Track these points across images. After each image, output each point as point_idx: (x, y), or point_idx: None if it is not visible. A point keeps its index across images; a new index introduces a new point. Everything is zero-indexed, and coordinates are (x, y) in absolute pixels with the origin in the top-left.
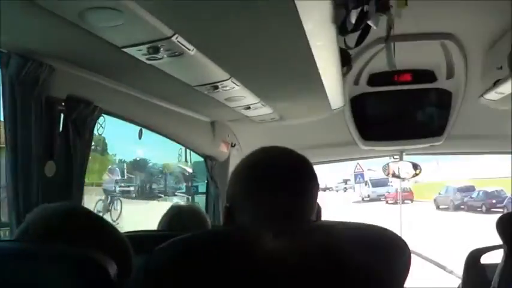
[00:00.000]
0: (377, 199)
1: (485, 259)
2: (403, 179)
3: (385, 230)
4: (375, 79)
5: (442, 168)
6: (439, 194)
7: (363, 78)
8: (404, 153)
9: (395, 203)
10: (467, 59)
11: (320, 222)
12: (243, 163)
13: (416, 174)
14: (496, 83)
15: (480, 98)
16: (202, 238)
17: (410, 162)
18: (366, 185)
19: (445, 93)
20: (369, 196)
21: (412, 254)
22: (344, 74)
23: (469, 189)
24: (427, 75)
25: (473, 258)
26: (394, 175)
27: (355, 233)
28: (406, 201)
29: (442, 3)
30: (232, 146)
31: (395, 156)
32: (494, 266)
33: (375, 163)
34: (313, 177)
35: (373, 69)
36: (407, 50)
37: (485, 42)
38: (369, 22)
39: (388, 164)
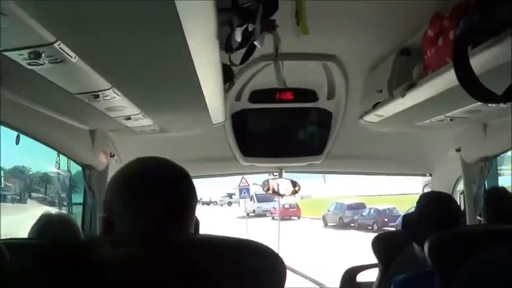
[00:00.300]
0: (262, 214)
1: (362, 277)
2: (282, 196)
3: (259, 245)
4: (256, 96)
5: (329, 185)
6: (328, 210)
7: (245, 94)
8: (283, 171)
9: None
10: (348, 81)
11: (194, 235)
12: (119, 173)
13: (295, 191)
14: (376, 106)
15: (360, 119)
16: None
17: (289, 179)
18: (251, 199)
19: (326, 113)
20: (254, 211)
21: (288, 271)
22: (226, 90)
23: (359, 206)
24: (308, 95)
25: (349, 276)
26: (273, 191)
27: (224, 247)
28: (293, 217)
29: (328, 25)
30: (111, 156)
31: (274, 173)
32: (370, 284)
33: (262, 178)
34: (190, 189)
35: (255, 86)
36: (290, 68)
37: (366, 66)
38: (255, 42)
39: (267, 180)
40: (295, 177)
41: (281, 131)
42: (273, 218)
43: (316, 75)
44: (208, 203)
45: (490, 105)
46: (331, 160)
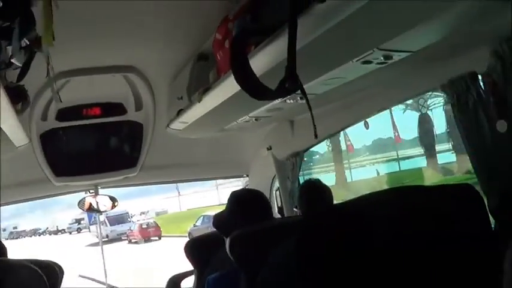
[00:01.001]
0: (118, 238)
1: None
2: (101, 213)
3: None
4: (64, 114)
5: (184, 197)
6: (194, 225)
7: (51, 113)
8: (99, 187)
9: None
10: (153, 91)
11: None
12: None
13: (114, 206)
14: (179, 113)
15: (167, 128)
16: None
17: (107, 195)
18: (103, 223)
19: (136, 125)
20: (107, 236)
21: None
22: (20, 111)
23: None
24: (116, 108)
25: (173, 284)
26: (92, 209)
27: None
28: (153, 238)
29: (123, 35)
30: None
31: (91, 191)
32: None
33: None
34: None
35: (61, 104)
36: (94, 83)
37: (168, 74)
38: (12, 60)
39: (84, 198)
40: (145, 191)
41: (93, 147)
42: (129, 242)
43: (121, 87)
44: (55, 232)
45: (288, 101)
46: (147, 171)
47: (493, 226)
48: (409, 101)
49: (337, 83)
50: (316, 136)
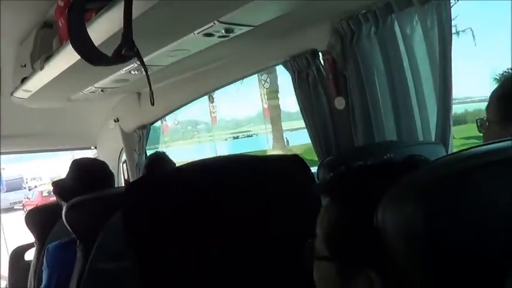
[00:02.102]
0: (11, 208)
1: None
2: None
3: None
4: None
5: None
6: None
7: None
8: None
9: None
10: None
11: None
12: None
13: None
14: (23, 81)
15: (11, 96)
16: None
17: None
18: None
19: None
20: None
21: None
22: None
23: None
24: None
25: (17, 256)
26: None
27: None
28: None
29: None
30: None
31: None
32: None
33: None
34: None
35: None
36: None
37: (14, 41)
38: None
39: None
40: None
41: None
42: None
43: None
44: None
45: (133, 72)
46: None
47: None
48: None
49: (182, 55)
50: (152, 103)
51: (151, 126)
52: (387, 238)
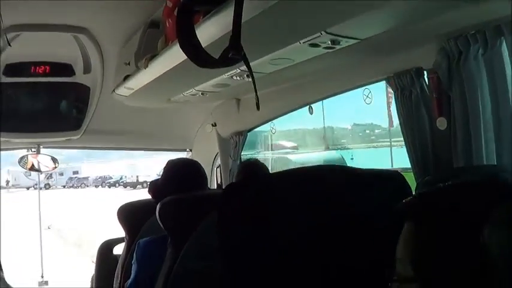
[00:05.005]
0: None
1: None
2: (42, 172)
3: None
4: (12, 69)
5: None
6: None
7: None
8: (41, 146)
9: None
10: (103, 55)
11: None
12: None
13: (55, 167)
14: (126, 78)
15: (113, 93)
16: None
17: (49, 155)
18: None
19: (83, 88)
20: None
21: None
22: None
23: None
24: (65, 69)
25: (105, 249)
26: (33, 169)
27: None
28: None
29: None
30: None
31: (33, 149)
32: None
33: None
34: None
35: (9, 59)
36: (44, 41)
37: (119, 40)
38: None
39: (26, 156)
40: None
41: (38, 106)
42: None
43: (71, 49)
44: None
45: (235, 78)
46: (90, 135)
47: None
48: None
49: (285, 63)
50: (258, 107)
51: None
52: (493, 256)
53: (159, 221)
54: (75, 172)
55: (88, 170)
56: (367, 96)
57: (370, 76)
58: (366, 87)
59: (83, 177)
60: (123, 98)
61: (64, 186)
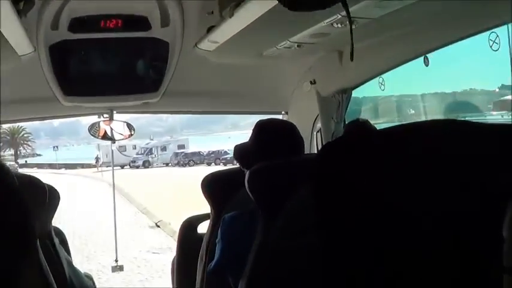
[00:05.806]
0: None
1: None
2: (115, 141)
3: None
4: (78, 24)
5: None
6: None
7: (63, 22)
8: (115, 112)
9: None
10: (182, 4)
11: None
12: None
13: (131, 135)
14: (209, 30)
15: (195, 47)
16: None
17: (123, 121)
18: None
19: (161, 44)
20: None
21: None
22: (23, 11)
23: None
24: (140, 23)
25: (190, 226)
26: (106, 137)
27: None
28: None
29: None
30: None
31: (105, 115)
32: None
33: None
34: None
35: (75, 12)
36: None
37: None
38: None
39: (98, 123)
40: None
41: (110, 65)
42: None
43: None
44: None
45: (336, 25)
46: (170, 98)
47: None
48: None
49: (395, 5)
50: (351, 58)
51: None
52: None
53: (248, 190)
54: (181, 146)
55: (195, 145)
56: (494, 42)
57: (500, 17)
58: (493, 30)
59: (192, 153)
60: (206, 53)
61: (167, 164)
